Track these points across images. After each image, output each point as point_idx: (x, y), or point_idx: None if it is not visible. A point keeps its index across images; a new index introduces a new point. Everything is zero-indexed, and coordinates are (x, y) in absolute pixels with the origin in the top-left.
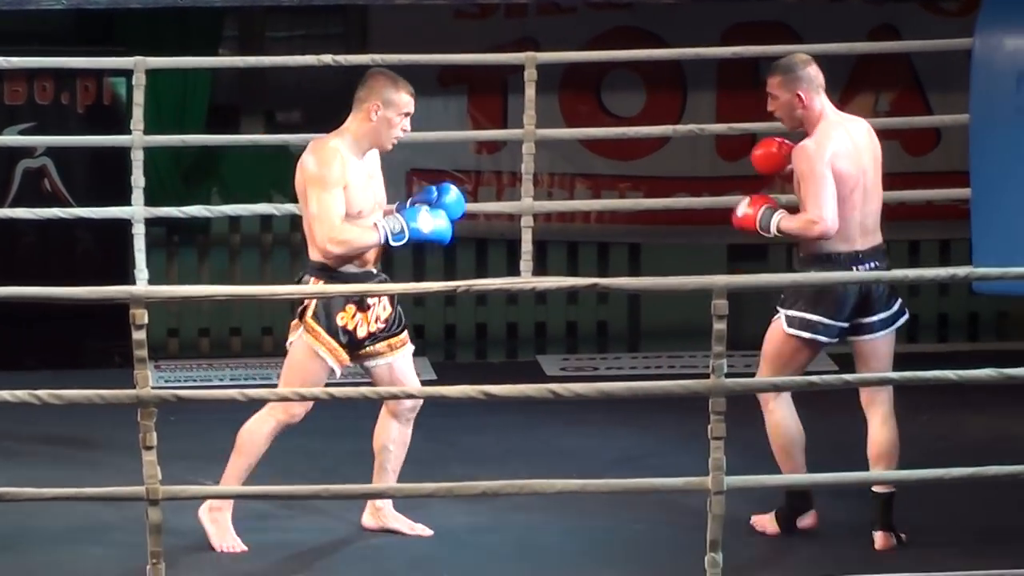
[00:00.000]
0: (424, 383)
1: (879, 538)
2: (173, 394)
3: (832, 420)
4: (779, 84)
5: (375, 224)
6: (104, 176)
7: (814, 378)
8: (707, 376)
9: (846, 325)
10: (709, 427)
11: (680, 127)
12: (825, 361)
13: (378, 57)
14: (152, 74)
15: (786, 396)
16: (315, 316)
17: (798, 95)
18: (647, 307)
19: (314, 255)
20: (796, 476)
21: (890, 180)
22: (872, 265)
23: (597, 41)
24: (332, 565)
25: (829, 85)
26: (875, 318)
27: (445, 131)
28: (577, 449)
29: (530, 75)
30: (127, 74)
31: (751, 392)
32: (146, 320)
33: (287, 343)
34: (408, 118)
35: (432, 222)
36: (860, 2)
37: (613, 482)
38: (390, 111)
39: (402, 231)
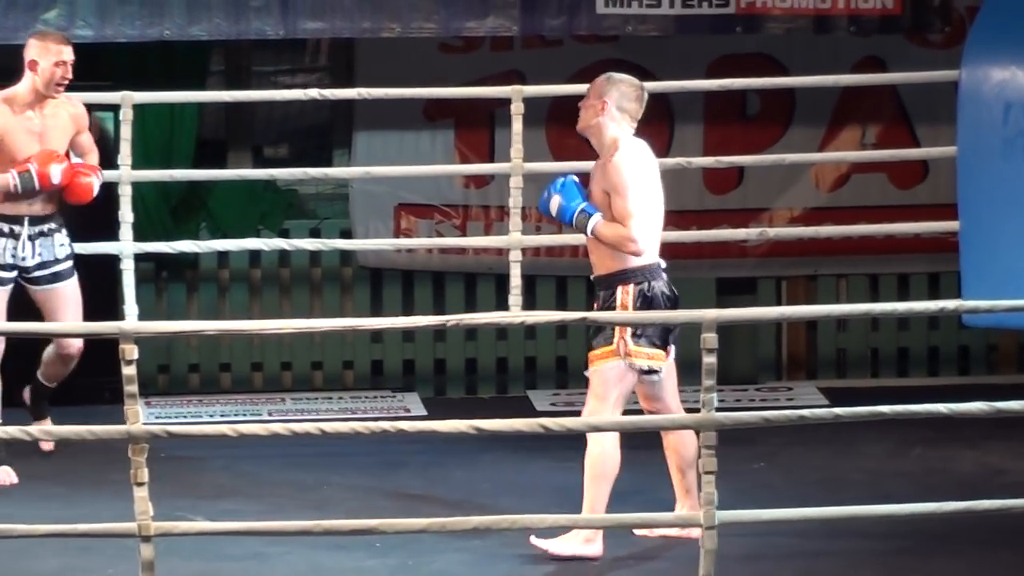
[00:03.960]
0: (414, 419)
1: None
2: (164, 430)
3: (818, 455)
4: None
5: None
6: (92, 211)
7: (805, 412)
8: (697, 410)
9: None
10: (700, 462)
11: (667, 160)
12: (815, 396)
13: (364, 91)
14: (139, 109)
15: None
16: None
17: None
18: None
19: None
20: (794, 511)
21: (879, 213)
22: None
23: (583, 74)
24: None
25: (815, 118)
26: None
27: (432, 165)
28: (568, 484)
29: (517, 108)
30: (114, 109)
31: (742, 426)
32: (136, 355)
33: None
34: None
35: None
36: (846, 34)
37: (605, 517)
38: None
39: None
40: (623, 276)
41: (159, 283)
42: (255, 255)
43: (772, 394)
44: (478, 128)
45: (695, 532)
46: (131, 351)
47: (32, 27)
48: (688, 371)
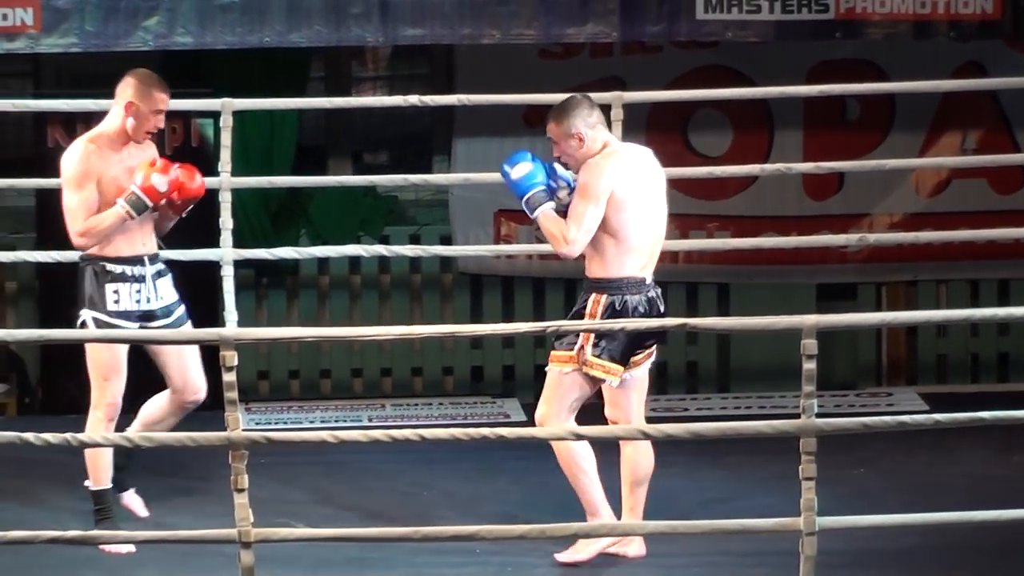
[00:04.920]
0: (514, 424)
1: None
2: (264, 436)
3: (919, 460)
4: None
5: None
6: (192, 218)
7: (905, 418)
8: (797, 416)
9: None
10: (800, 467)
11: (767, 166)
12: (916, 401)
13: (464, 97)
14: (239, 115)
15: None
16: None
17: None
18: (736, 347)
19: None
20: (890, 517)
21: (979, 218)
22: None
23: (683, 80)
24: None
25: (915, 123)
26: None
27: None
28: (667, 490)
29: (616, 115)
30: (214, 116)
31: (842, 432)
32: (236, 362)
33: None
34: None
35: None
36: (946, 39)
37: (704, 523)
38: None
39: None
40: (597, 284)
41: (259, 290)
42: (355, 261)
43: (872, 400)
44: None
45: (632, 550)
46: (231, 358)
47: (133, 34)
48: (788, 376)
